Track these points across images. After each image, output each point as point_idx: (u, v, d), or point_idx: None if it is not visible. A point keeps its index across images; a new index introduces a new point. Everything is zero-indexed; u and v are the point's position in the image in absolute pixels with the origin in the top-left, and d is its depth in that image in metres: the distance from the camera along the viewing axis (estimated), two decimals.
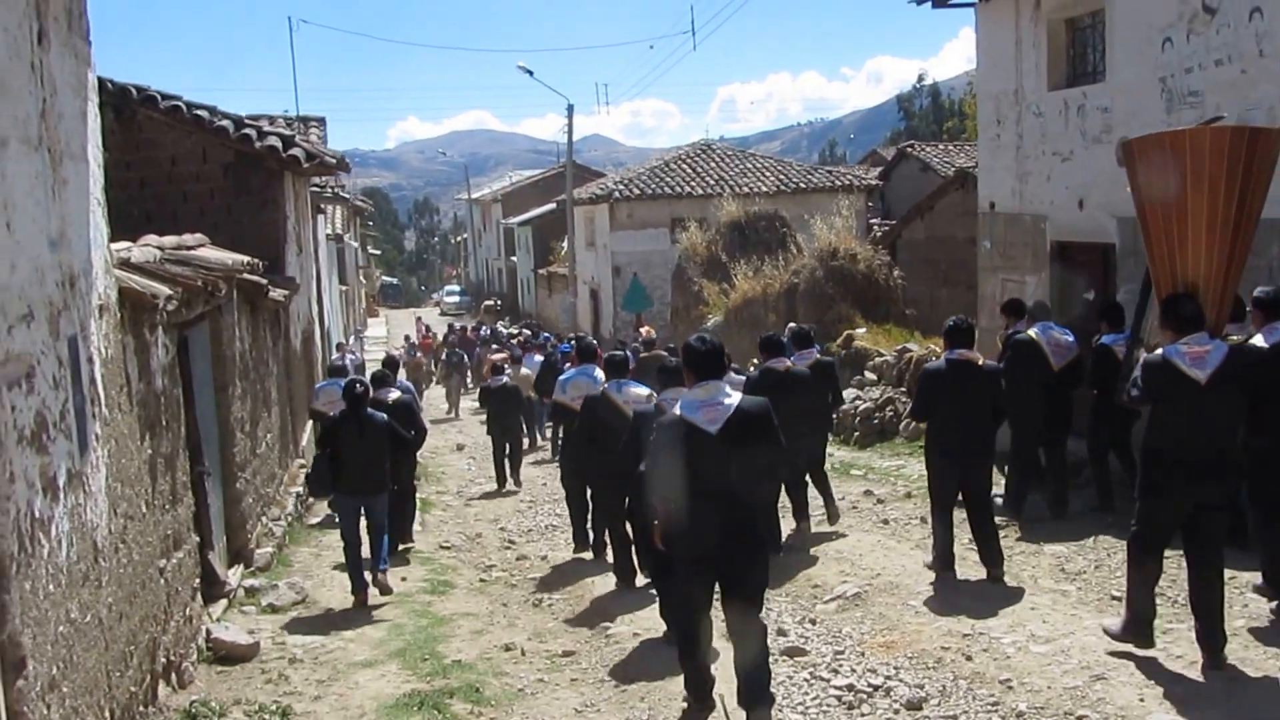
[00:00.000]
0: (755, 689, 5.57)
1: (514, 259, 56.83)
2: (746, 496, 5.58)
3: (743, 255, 22.47)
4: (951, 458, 8.00)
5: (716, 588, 5.75)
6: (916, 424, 9.50)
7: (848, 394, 14.62)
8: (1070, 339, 9.53)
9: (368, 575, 8.95)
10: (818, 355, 10.11)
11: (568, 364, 14.36)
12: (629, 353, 12.25)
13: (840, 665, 6.58)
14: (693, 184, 32.57)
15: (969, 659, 6.51)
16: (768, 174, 33.37)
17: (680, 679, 6.06)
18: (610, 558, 9.22)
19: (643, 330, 22.05)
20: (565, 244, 39.75)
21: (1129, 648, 6.24)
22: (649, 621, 7.64)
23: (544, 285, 47.34)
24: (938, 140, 41.30)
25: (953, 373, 7.94)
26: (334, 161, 14.60)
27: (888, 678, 6.29)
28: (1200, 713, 5.50)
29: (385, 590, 8.87)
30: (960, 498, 8.13)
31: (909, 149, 32.65)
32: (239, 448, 9.38)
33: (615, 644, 7.47)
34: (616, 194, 32.74)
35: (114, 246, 5.98)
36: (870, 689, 6.16)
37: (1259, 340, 6.71)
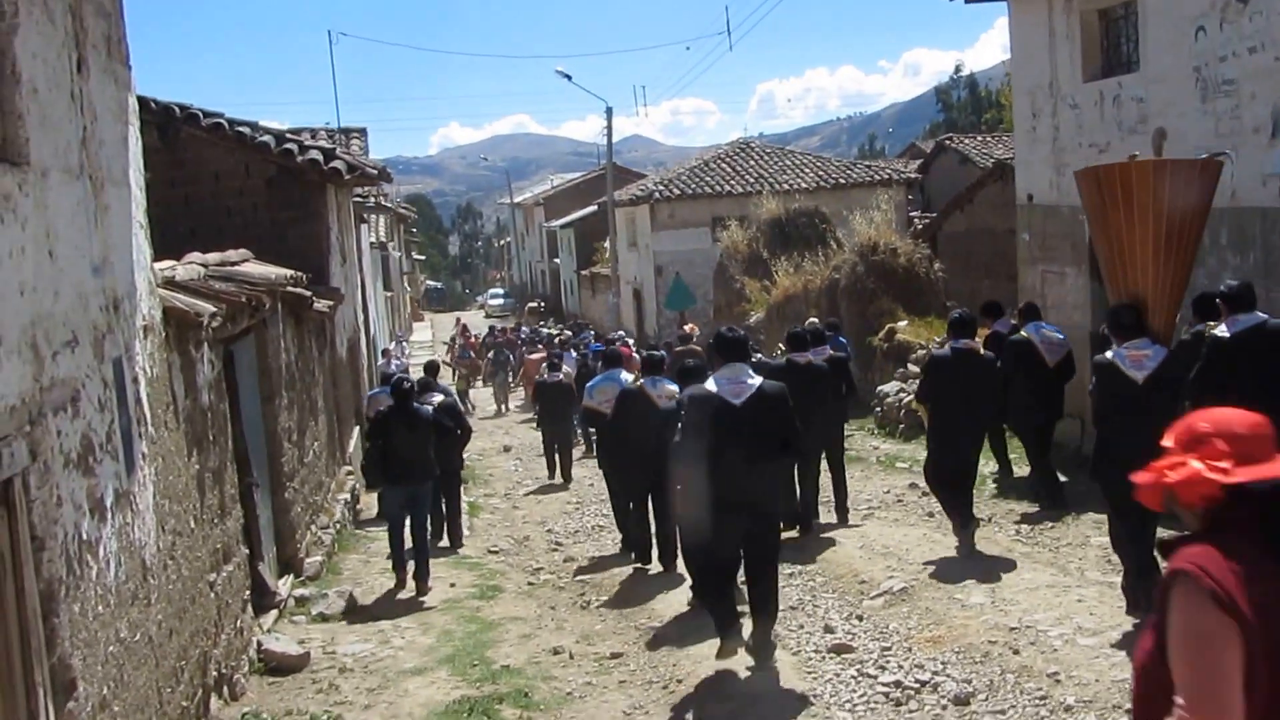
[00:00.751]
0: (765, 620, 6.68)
1: (557, 261, 57.09)
2: (763, 462, 6.46)
3: (783, 252, 22.46)
4: (953, 436, 8.80)
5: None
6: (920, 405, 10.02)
7: (890, 387, 15.43)
8: (1060, 336, 10.24)
9: (410, 581, 9.51)
10: (830, 350, 10.78)
11: (600, 363, 14.61)
12: (665, 351, 12.64)
13: (887, 661, 6.59)
14: (732, 182, 32.53)
15: (1016, 653, 6.51)
16: (807, 170, 33.26)
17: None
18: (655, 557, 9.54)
19: (686, 327, 22.06)
20: (607, 245, 39.88)
21: None
22: (696, 622, 7.66)
23: (587, 286, 47.50)
24: (976, 132, 40.86)
25: (956, 361, 8.77)
26: (375, 172, 14.77)
27: (935, 673, 6.30)
28: None
29: (423, 592, 9.39)
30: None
31: (947, 141, 32.34)
32: (286, 458, 9.52)
33: (663, 645, 7.51)
34: (657, 194, 32.78)
35: (158, 266, 6.10)
36: (918, 685, 6.17)
37: (1222, 330, 7.26)
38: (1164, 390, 6.66)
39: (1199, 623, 2.29)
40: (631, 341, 26.62)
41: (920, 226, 24.10)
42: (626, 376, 10.21)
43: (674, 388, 8.93)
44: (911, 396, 14.39)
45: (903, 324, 16.96)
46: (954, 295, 18.90)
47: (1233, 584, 2.28)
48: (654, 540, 9.57)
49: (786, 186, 30.35)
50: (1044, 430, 10.15)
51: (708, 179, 33.05)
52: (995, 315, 10.93)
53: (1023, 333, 10.14)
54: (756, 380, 6.59)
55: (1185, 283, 7.53)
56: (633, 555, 9.94)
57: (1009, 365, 9.62)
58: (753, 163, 33.88)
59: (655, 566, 9.60)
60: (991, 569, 8.21)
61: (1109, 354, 7.03)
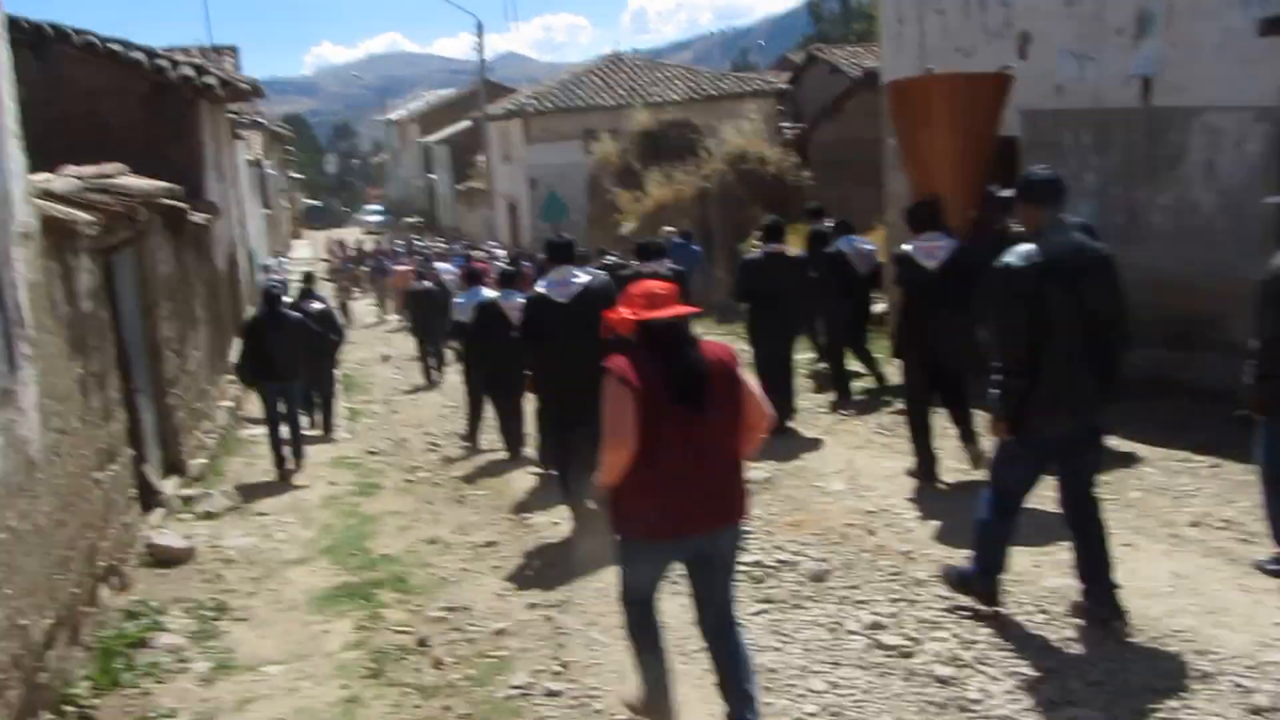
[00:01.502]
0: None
1: (433, 177, 56.43)
2: (590, 351, 6.73)
3: (655, 163, 22.74)
4: (769, 333, 9.70)
5: None
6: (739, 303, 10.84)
7: None
8: (870, 247, 11.09)
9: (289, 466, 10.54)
10: (669, 262, 11.38)
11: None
12: (529, 263, 13.39)
13: (749, 544, 6.88)
14: (604, 96, 32.61)
15: (872, 534, 6.90)
16: (678, 83, 33.47)
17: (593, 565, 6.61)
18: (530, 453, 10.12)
19: (554, 237, 22.34)
20: (482, 160, 39.66)
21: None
22: (567, 511, 7.94)
23: (464, 201, 47.19)
24: (846, 43, 41.29)
25: (767, 263, 9.64)
26: (248, 88, 14.73)
27: (794, 554, 6.61)
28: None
29: (298, 471, 10.55)
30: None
31: (817, 52, 32.65)
32: (168, 365, 9.73)
33: (534, 533, 7.82)
34: (529, 108, 32.75)
35: (35, 178, 6.24)
36: (777, 564, 6.46)
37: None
38: (955, 277, 7.25)
39: (614, 392, 4.13)
40: (501, 251, 26.96)
41: (790, 137, 24.59)
42: (489, 292, 10.82)
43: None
44: None
45: None
46: (824, 203, 19.45)
47: (631, 372, 4.13)
48: (502, 431, 10.50)
49: (658, 99, 30.59)
50: (857, 331, 10.98)
51: (580, 92, 33.08)
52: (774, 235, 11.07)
53: (837, 245, 10.84)
54: (584, 279, 7.34)
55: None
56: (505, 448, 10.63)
57: (822, 274, 10.43)
58: (624, 76, 33.95)
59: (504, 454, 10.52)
60: (852, 459, 8.70)
61: (906, 246, 7.76)
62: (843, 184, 20.62)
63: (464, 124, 47.93)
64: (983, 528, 5.45)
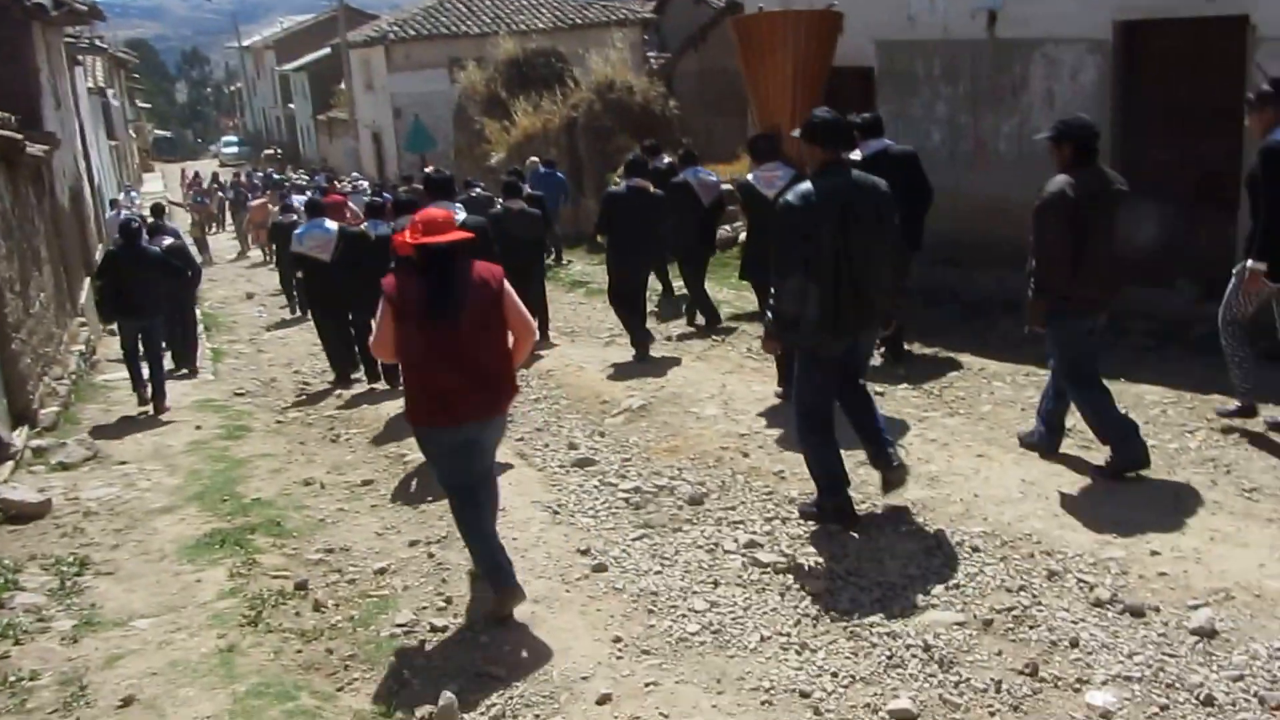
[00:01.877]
0: None
1: (292, 106, 54.73)
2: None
3: (522, 92, 22.42)
4: (627, 262, 10.14)
5: None
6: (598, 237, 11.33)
7: None
8: (714, 179, 11.39)
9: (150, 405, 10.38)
10: (529, 189, 12.21)
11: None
12: (390, 195, 13.19)
13: (627, 471, 7.02)
14: (469, 23, 32.00)
15: (746, 456, 7.06)
16: (544, 10, 33.03)
17: None
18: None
19: (428, 170, 22.00)
20: (344, 88, 38.60)
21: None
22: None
23: (325, 131, 45.97)
24: None
25: (631, 196, 10.05)
26: (84, 9, 13.96)
27: (671, 479, 6.74)
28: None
29: (160, 410, 10.31)
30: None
31: None
32: (10, 309, 9.25)
33: (412, 468, 7.72)
34: (392, 35, 31.94)
35: None
36: (655, 489, 6.60)
37: (856, 154, 8.14)
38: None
39: (381, 306, 4.93)
40: (365, 184, 26.49)
41: (656, 67, 24.51)
42: (331, 225, 10.81)
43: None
44: None
45: None
46: (690, 132, 19.55)
47: (395, 288, 4.90)
48: (360, 360, 10.92)
49: (524, 27, 30.13)
50: (701, 260, 11.25)
51: (444, 20, 32.39)
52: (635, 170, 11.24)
53: (682, 176, 11.08)
54: (460, 216, 7.56)
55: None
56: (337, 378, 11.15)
57: (670, 203, 10.64)
58: (489, 3, 33.33)
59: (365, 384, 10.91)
60: (724, 384, 8.82)
61: (747, 175, 8.36)
62: (707, 113, 20.73)
63: (323, 51, 46.51)
64: (807, 451, 5.83)
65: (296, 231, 11.53)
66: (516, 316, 5.07)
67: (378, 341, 5.02)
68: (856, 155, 8.22)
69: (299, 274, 12.43)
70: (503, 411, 5.20)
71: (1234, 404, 6.81)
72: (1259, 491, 5.82)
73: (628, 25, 29.59)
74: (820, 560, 5.46)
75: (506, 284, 5.08)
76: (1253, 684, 4.15)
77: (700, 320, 11.15)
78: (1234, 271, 6.52)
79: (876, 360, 8.45)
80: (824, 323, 5.42)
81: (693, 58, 22.30)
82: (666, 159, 12.67)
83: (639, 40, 29.48)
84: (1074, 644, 4.50)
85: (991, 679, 4.31)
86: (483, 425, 5.08)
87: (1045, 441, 6.52)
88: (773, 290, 5.56)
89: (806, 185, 5.40)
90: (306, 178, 29.74)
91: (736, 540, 5.79)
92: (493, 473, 5.45)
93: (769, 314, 5.64)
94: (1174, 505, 5.72)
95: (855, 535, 5.67)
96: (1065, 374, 6.14)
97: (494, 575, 5.13)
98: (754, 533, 5.87)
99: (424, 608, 5.46)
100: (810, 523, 5.88)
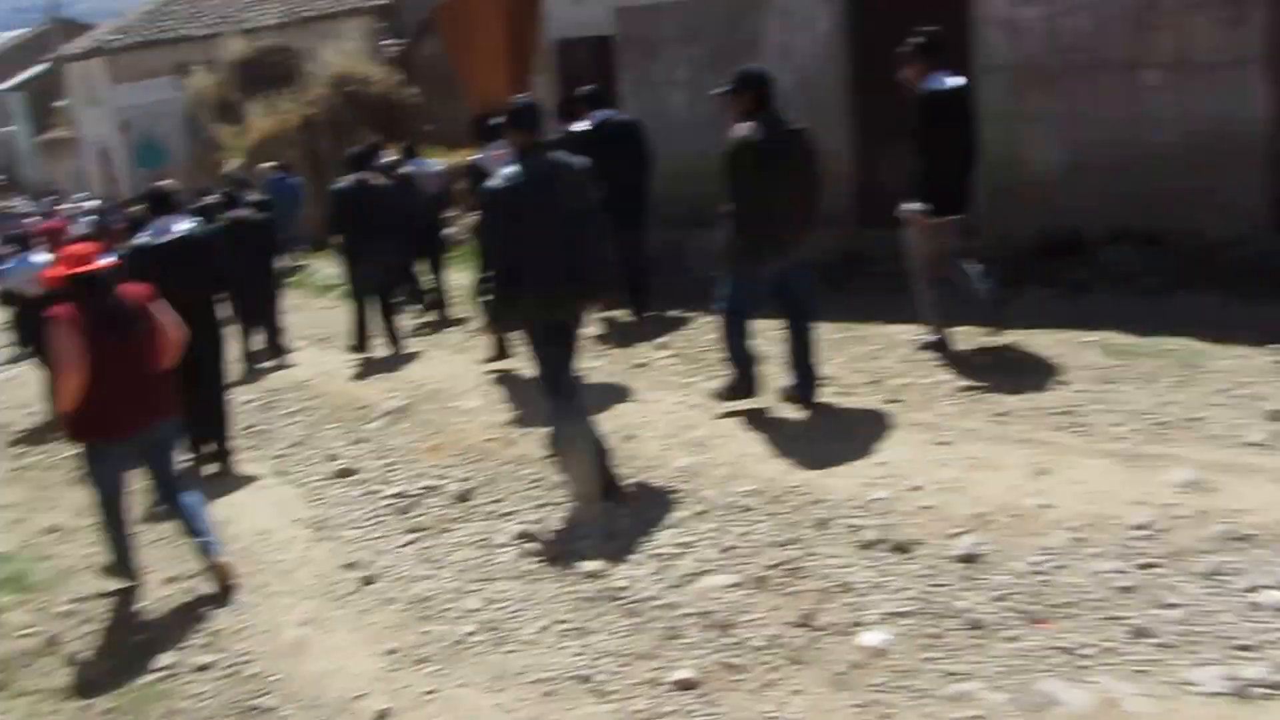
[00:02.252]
0: None
1: (11, 129, 51.23)
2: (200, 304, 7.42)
3: (256, 94, 21.57)
4: (362, 262, 9.81)
5: None
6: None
7: None
8: (438, 167, 11.73)
9: None
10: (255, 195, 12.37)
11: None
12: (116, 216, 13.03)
13: (391, 476, 6.87)
14: (194, 25, 30.42)
15: (511, 444, 6.96)
16: (272, 6, 31.81)
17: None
18: None
19: (164, 184, 20.97)
20: (66, 105, 36.40)
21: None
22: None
23: (47, 153, 43.24)
24: None
25: (357, 191, 9.78)
26: None
27: (438, 478, 6.62)
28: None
29: None
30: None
31: None
32: None
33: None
34: (113, 43, 30.20)
35: None
36: (421, 491, 6.47)
37: (583, 125, 8.52)
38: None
39: (59, 331, 5.26)
40: (90, 204, 25.27)
41: (393, 54, 23.99)
42: (38, 258, 10.10)
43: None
44: None
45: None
46: (435, 119, 19.22)
47: (70, 314, 5.28)
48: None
49: (252, 25, 28.99)
50: (436, 250, 11.39)
51: (167, 23, 30.79)
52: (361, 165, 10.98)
53: (407, 168, 11.28)
54: (185, 227, 7.63)
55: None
56: None
57: (398, 196, 10.56)
58: (214, 2, 31.90)
59: None
60: (484, 377, 8.67)
61: (477, 156, 8.59)
62: (452, 99, 20.43)
63: (41, 67, 43.61)
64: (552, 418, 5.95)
65: (2, 269, 10.93)
66: (166, 325, 5.68)
67: (69, 364, 5.28)
68: (586, 125, 8.44)
69: (16, 310, 11.53)
70: (172, 413, 5.75)
71: (931, 338, 7.28)
72: (1010, 415, 6.11)
73: (360, 14, 28.76)
74: (593, 542, 5.42)
75: (154, 298, 5.72)
76: (1015, 601, 4.32)
77: (451, 312, 11.04)
78: (900, 219, 6.96)
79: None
80: (539, 300, 5.58)
81: (429, 43, 21.88)
82: (388, 157, 12.14)
83: (373, 29, 28.79)
84: (846, 588, 4.59)
85: (769, 635, 4.36)
86: (157, 428, 5.65)
87: (741, 379, 6.68)
88: (487, 273, 5.78)
89: (512, 168, 5.55)
90: (32, 204, 27.68)
91: (508, 532, 5.70)
92: (180, 483, 5.93)
93: (485, 299, 5.91)
94: (933, 438, 5.93)
95: (626, 511, 5.66)
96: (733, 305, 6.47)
97: (124, 568, 5.92)
98: (525, 522, 5.79)
99: (186, 647, 5.23)
100: (587, 500, 5.82)
